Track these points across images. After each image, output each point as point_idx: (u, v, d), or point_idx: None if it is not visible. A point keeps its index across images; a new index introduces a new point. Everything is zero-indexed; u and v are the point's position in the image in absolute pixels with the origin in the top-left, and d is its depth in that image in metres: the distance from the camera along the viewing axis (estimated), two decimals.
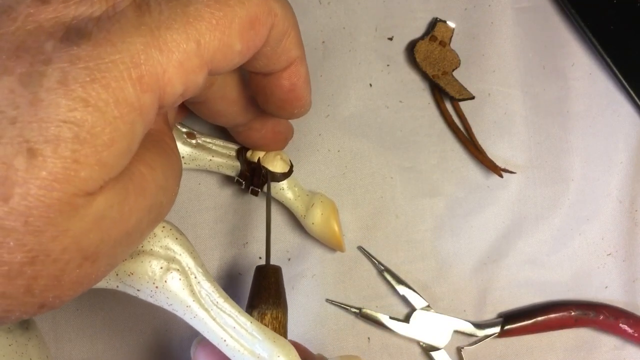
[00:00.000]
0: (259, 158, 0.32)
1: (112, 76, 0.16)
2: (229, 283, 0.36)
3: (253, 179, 0.32)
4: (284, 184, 0.34)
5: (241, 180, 0.33)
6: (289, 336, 0.35)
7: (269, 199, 0.32)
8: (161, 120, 0.24)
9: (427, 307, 0.36)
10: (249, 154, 0.33)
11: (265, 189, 0.33)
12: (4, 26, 0.16)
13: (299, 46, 0.23)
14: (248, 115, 0.28)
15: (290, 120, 0.36)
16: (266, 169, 0.32)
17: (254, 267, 0.36)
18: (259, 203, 0.36)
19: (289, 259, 0.36)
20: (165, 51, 0.17)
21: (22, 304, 0.17)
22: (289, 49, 0.23)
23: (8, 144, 0.15)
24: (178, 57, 0.18)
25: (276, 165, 0.32)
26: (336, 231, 0.34)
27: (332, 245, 0.35)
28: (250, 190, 0.33)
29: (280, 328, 0.29)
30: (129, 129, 0.17)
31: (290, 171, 0.33)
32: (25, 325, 0.26)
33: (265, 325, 0.28)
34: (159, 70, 0.17)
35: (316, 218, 0.34)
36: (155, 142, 0.21)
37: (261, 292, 0.29)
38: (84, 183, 0.16)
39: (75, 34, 0.17)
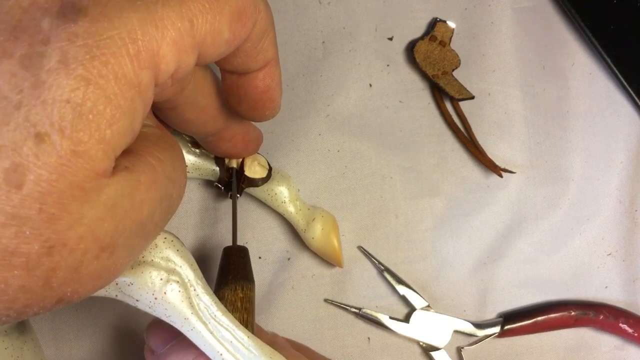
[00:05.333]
0: (241, 164, 0.33)
1: (110, 52, 0.16)
2: None
3: (232, 184, 0.33)
4: (285, 197, 0.34)
5: (220, 186, 0.33)
6: (288, 337, 0.36)
7: (235, 195, 0.32)
8: (158, 118, 0.24)
9: (427, 307, 0.36)
10: (227, 159, 0.33)
11: (270, 202, 0.34)
12: None
13: (275, 48, 0.24)
14: (217, 124, 0.28)
15: (291, 121, 0.37)
16: (243, 174, 0.33)
17: (254, 267, 0.36)
18: (258, 203, 0.36)
19: (289, 259, 0.36)
20: (160, 27, 0.18)
21: (40, 298, 0.17)
22: (266, 49, 0.23)
23: (16, 129, 0.15)
24: (172, 34, 0.18)
25: (254, 171, 0.33)
26: (336, 247, 0.34)
27: (330, 260, 0.35)
28: (229, 195, 0.33)
29: (246, 302, 0.29)
30: (129, 106, 0.17)
31: (269, 175, 0.33)
32: (22, 328, 0.26)
33: (235, 301, 0.28)
34: (155, 47, 0.17)
35: (316, 233, 0.34)
36: (160, 136, 0.21)
37: (224, 270, 0.30)
38: (92, 163, 0.16)
39: (70, 9, 0.16)
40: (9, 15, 0.16)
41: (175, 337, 0.26)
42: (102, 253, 0.18)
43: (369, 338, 0.37)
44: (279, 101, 0.26)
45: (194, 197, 0.36)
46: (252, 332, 0.28)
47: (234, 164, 0.33)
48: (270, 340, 0.29)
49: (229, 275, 0.29)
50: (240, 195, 0.33)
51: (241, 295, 0.29)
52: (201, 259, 0.36)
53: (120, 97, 0.17)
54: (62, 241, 0.16)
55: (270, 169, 0.34)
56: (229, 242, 0.36)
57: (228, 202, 0.36)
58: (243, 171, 0.33)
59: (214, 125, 0.28)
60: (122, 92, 0.17)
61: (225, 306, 0.28)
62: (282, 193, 0.34)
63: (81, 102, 0.16)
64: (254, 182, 0.33)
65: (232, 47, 0.21)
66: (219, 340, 0.24)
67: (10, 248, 0.16)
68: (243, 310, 0.28)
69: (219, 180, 0.33)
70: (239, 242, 0.36)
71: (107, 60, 0.16)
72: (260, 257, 0.36)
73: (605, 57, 0.38)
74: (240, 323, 0.26)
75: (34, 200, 0.16)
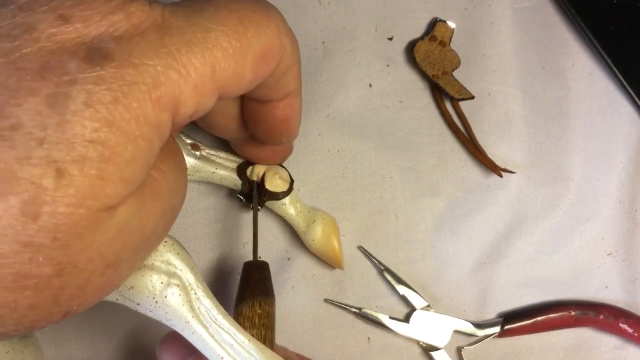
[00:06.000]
0: (261, 177, 0.33)
1: (134, 97, 0.17)
2: (228, 283, 0.36)
3: (254, 196, 0.33)
4: (285, 199, 0.34)
5: (242, 197, 0.34)
6: (289, 338, 0.36)
7: (256, 203, 0.33)
8: None
9: (427, 307, 0.36)
10: (248, 171, 0.33)
11: (270, 205, 0.34)
12: (27, 46, 0.17)
13: (298, 80, 0.24)
14: (247, 132, 0.28)
15: None
16: (264, 187, 0.33)
17: None
18: None
19: (289, 259, 0.36)
20: (183, 74, 0.18)
21: (48, 313, 0.18)
22: (289, 82, 0.23)
23: (37, 164, 0.16)
24: (194, 80, 0.18)
25: (275, 184, 0.33)
26: (336, 249, 0.34)
27: (331, 262, 0.35)
28: (251, 206, 0.33)
29: (264, 318, 0.29)
30: (148, 146, 0.18)
31: (290, 189, 0.34)
32: None
33: (253, 317, 0.28)
34: (176, 92, 0.18)
35: (317, 235, 0.34)
36: (163, 146, 0.21)
37: (250, 285, 0.30)
38: (108, 199, 0.17)
39: (97, 54, 0.17)
40: (37, 56, 0.16)
41: (191, 354, 0.26)
42: (107, 270, 0.18)
43: (369, 338, 0.37)
44: (296, 129, 0.27)
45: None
46: (271, 348, 0.28)
47: (255, 176, 0.33)
48: (281, 354, 0.29)
49: (247, 291, 0.29)
50: (262, 208, 0.34)
51: (259, 312, 0.29)
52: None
53: (141, 139, 0.17)
54: (72, 264, 0.17)
55: (291, 182, 0.34)
56: (230, 242, 0.36)
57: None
58: (264, 184, 0.33)
59: (244, 132, 0.28)
60: (143, 134, 0.17)
61: (243, 322, 0.28)
62: None
63: (103, 143, 0.16)
64: (275, 196, 0.33)
65: (254, 85, 0.21)
66: (219, 344, 0.24)
67: (23, 272, 0.16)
68: (261, 327, 0.28)
69: (241, 192, 0.34)
70: (240, 242, 0.36)
71: (130, 104, 0.17)
72: (260, 257, 0.36)
73: (605, 57, 0.38)
74: (258, 339, 0.26)
75: (49, 231, 0.16)
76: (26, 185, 0.16)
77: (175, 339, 0.27)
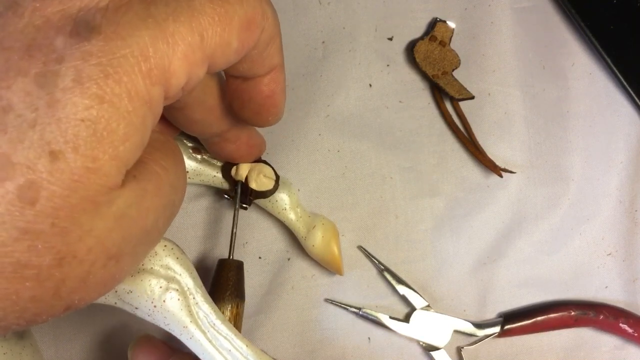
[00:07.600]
0: (245, 176, 0.33)
1: (123, 71, 0.17)
2: None
3: (240, 196, 0.33)
4: (286, 204, 0.34)
5: (228, 197, 0.34)
6: (288, 338, 0.36)
7: (238, 204, 0.33)
8: (163, 120, 0.24)
9: (427, 307, 0.36)
10: (233, 171, 0.33)
11: (271, 209, 0.34)
12: (12, 23, 0.16)
13: (281, 54, 0.24)
14: (223, 125, 0.28)
15: (291, 121, 0.37)
16: (248, 187, 0.33)
17: (254, 267, 0.36)
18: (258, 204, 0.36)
19: (289, 259, 0.36)
20: (171, 43, 0.18)
21: (49, 306, 0.18)
22: (273, 55, 0.23)
23: (30, 148, 0.15)
24: (183, 49, 0.18)
25: (260, 183, 0.33)
26: (336, 254, 0.34)
27: (330, 267, 0.35)
28: (237, 206, 0.33)
29: (238, 320, 0.30)
30: (141, 122, 0.17)
31: (275, 187, 0.33)
32: (21, 333, 0.26)
33: (230, 319, 0.29)
34: (166, 63, 0.18)
35: (317, 240, 0.34)
36: (164, 143, 0.21)
37: (222, 285, 0.30)
38: (105, 179, 0.17)
39: (84, 27, 0.17)
40: (22, 34, 0.16)
41: (168, 357, 0.26)
42: (109, 262, 0.18)
43: (369, 338, 0.36)
44: (282, 106, 0.26)
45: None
46: None
47: (239, 177, 0.33)
48: None
49: (226, 291, 0.30)
50: (249, 206, 0.34)
51: (235, 313, 0.29)
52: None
53: (133, 115, 0.17)
54: (72, 253, 0.17)
55: (277, 179, 0.33)
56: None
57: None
58: (250, 184, 0.33)
59: (220, 126, 0.28)
60: (135, 110, 0.17)
61: None
62: (282, 200, 0.34)
63: (95, 121, 0.16)
64: (261, 194, 0.33)
65: (241, 56, 0.21)
66: (217, 349, 0.24)
67: (23, 261, 0.16)
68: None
69: (227, 192, 0.33)
70: (240, 242, 0.36)
71: (120, 78, 0.16)
72: (260, 257, 0.36)
73: (605, 57, 0.38)
74: None
75: (47, 216, 0.16)
76: (22, 169, 0.15)
77: (150, 342, 0.27)
